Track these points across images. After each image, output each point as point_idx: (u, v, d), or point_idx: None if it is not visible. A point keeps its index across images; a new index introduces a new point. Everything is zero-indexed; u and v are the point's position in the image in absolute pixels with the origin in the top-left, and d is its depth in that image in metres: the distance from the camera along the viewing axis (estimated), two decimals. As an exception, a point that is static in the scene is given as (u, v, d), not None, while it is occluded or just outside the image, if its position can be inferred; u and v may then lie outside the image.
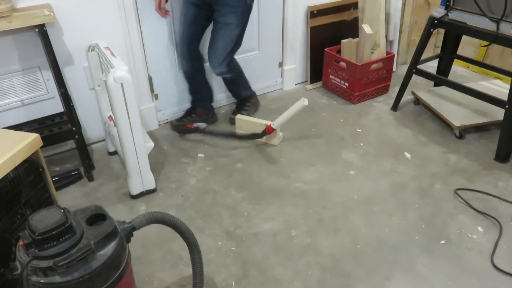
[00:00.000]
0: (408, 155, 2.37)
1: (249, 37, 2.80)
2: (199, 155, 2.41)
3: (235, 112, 2.69)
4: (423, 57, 2.66)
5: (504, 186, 2.12)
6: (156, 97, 2.66)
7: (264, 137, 2.47)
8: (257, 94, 2.89)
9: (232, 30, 2.33)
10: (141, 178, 2.04)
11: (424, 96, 2.79)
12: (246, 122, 2.52)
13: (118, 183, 2.20)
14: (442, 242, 1.81)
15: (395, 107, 2.83)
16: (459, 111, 2.59)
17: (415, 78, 2.71)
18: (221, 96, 2.91)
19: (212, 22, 2.40)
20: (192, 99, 2.71)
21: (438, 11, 2.44)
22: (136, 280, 1.47)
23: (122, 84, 1.74)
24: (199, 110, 2.65)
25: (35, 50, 2.11)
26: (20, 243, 1.10)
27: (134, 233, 1.26)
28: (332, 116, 2.77)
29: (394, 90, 2.95)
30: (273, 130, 2.41)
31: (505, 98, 2.21)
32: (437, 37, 3.49)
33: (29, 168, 1.38)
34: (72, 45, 2.20)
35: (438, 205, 2.01)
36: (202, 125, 2.61)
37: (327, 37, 3.05)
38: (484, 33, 2.26)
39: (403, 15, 3.24)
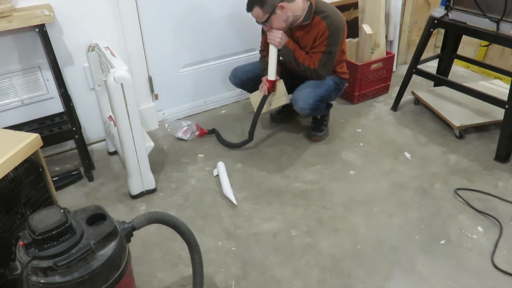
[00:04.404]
0: (408, 155, 2.37)
1: (249, 37, 2.80)
2: (199, 155, 2.41)
3: (314, 129, 2.52)
4: (423, 57, 2.66)
5: (504, 186, 2.12)
6: (156, 97, 2.66)
7: (271, 103, 2.33)
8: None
9: None
10: (141, 178, 2.04)
11: (424, 96, 2.79)
12: (259, 97, 2.37)
13: (118, 183, 2.20)
14: (442, 242, 1.81)
15: (395, 107, 2.83)
16: (459, 111, 2.59)
17: (415, 78, 2.71)
18: (221, 96, 2.91)
19: None
20: None
21: (438, 11, 2.44)
22: (136, 280, 1.47)
23: (122, 84, 1.74)
24: None
25: (35, 50, 2.11)
26: (20, 243, 1.10)
27: (134, 233, 1.26)
28: (332, 116, 2.76)
29: (394, 90, 2.95)
30: (273, 82, 2.28)
31: (505, 98, 2.21)
32: (437, 37, 3.49)
33: (29, 168, 1.38)
34: (72, 45, 2.20)
35: (438, 205, 2.01)
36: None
37: (327, 37, 3.04)
38: (484, 33, 2.25)
39: (403, 15, 3.24)
